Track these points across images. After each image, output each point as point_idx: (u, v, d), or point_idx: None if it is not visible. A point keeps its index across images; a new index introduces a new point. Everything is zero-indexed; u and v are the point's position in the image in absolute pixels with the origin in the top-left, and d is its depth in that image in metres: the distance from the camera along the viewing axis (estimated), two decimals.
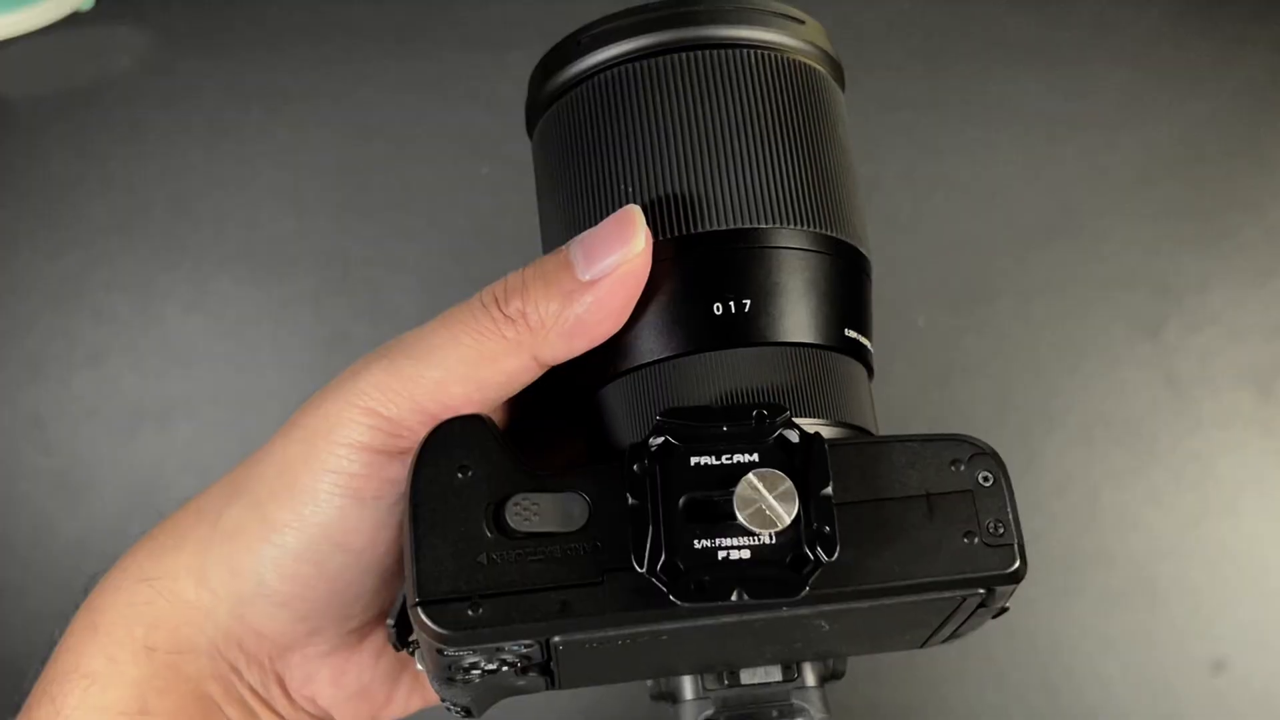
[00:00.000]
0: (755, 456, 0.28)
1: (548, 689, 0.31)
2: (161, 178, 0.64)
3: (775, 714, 0.30)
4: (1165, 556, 0.61)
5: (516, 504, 0.28)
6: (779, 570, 0.27)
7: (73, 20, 0.64)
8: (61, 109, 0.65)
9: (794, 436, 0.28)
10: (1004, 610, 0.30)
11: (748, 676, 0.31)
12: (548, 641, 0.28)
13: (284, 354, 0.63)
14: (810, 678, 0.31)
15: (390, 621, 0.32)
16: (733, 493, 0.27)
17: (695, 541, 0.27)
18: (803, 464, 0.27)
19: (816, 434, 0.28)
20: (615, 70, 0.31)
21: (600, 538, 0.28)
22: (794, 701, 0.30)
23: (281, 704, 0.34)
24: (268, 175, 0.64)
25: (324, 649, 0.34)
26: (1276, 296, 0.65)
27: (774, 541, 0.27)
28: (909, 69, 0.67)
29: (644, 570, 0.27)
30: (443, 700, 0.33)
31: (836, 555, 0.27)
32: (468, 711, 0.34)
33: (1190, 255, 0.65)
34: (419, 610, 0.27)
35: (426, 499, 0.28)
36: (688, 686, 0.31)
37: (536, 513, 0.28)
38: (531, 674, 0.30)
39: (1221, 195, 0.67)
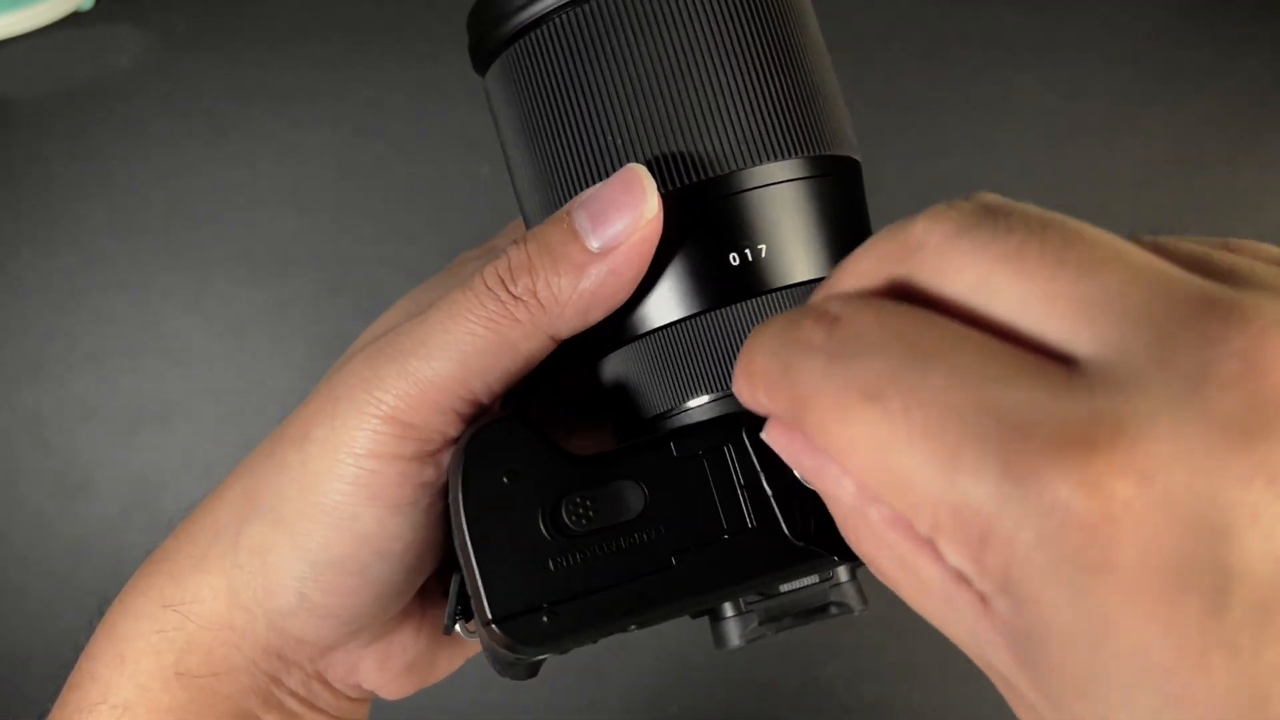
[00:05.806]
0: None
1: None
2: (161, 178, 0.64)
3: (817, 610, 0.30)
4: None
5: (571, 504, 0.27)
6: None
7: (73, 20, 0.64)
8: (61, 109, 0.64)
9: None
10: None
11: (785, 585, 0.30)
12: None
13: (284, 354, 0.63)
14: (843, 573, 0.31)
15: (448, 623, 0.32)
16: None
17: None
18: None
19: None
20: (582, 8, 0.29)
21: (661, 521, 0.27)
22: (832, 597, 0.30)
23: (325, 699, 0.34)
24: (268, 175, 0.64)
25: (366, 640, 0.33)
26: None
27: None
28: (909, 68, 0.67)
29: (800, 542, 0.27)
30: (501, 674, 0.32)
31: None
32: (527, 675, 0.33)
33: None
34: (494, 628, 0.27)
35: (479, 513, 0.27)
36: (728, 604, 0.30)
37: (593, 508, 0.27)
38: None
39: (1221, 195, 0.67)
